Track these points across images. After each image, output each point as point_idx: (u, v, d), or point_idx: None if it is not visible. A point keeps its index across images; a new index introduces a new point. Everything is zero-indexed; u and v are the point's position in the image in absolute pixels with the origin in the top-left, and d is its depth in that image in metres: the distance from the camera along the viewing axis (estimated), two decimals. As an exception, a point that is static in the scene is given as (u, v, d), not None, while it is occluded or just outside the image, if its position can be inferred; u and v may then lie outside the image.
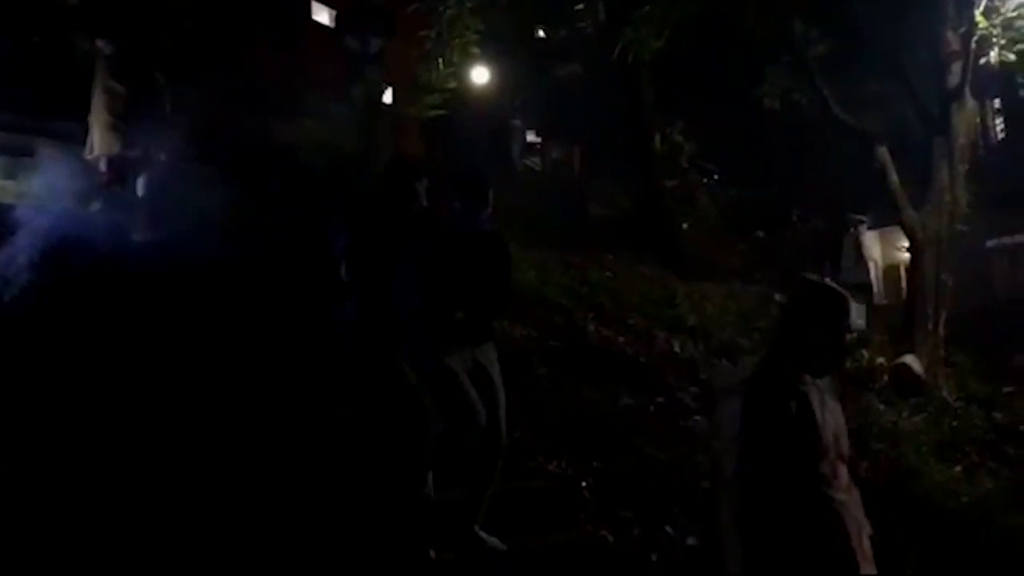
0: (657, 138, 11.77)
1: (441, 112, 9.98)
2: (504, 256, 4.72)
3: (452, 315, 4.34)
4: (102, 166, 6.89)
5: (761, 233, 12.57)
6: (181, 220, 6.61)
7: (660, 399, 6.91)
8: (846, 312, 2.98)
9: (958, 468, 6.62)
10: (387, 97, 11.77)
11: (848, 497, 2.92)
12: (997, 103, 24.15)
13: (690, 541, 4.93)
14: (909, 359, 8.30)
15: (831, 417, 2.92)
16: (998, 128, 25.64)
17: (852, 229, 12.54)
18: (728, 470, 2.97)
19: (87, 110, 6.98)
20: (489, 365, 4.49)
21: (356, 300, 4.39)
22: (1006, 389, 9.22)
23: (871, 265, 13.38)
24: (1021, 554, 5.40)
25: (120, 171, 6.93)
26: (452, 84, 10.13)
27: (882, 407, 7.43)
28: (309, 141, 10.04)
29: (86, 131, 6.97)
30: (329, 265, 4.62)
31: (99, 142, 6.89)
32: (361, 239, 4.43)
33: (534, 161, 13.76)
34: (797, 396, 2.84)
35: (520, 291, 7.37)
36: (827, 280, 3.13)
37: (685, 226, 11.55)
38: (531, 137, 14.94)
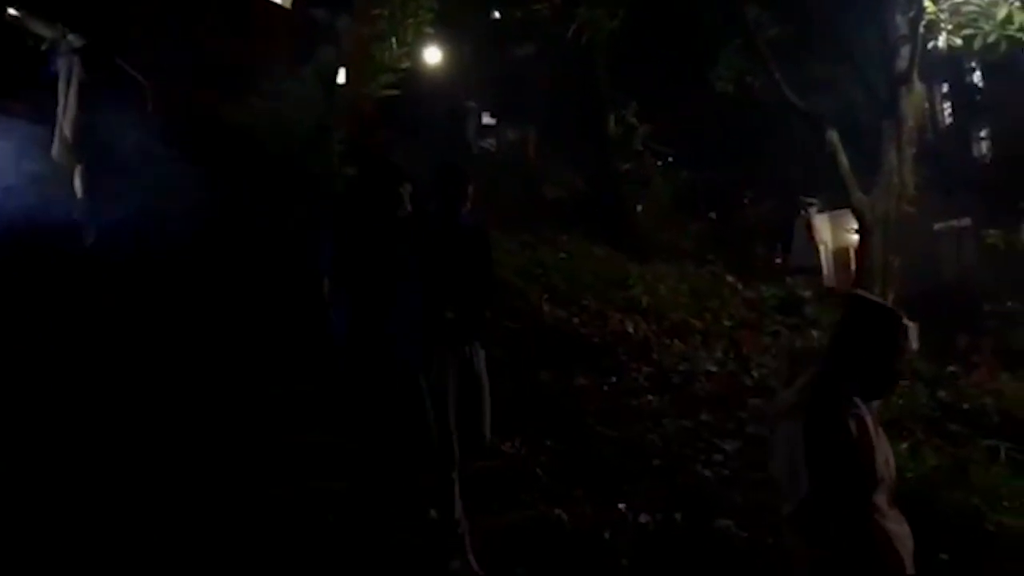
0: (611, 120, 11.80)
1: (395, 92, 9.88)
2: (486, 251, 4.70)
3: (442, 316, 4.31)
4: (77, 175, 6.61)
5: (713, 215, 12.69)
6: (132, 205, 6.44)
7: (613, 379, 6.95)
8: (902, 333, 2.86)
9: (904, 445, 6.72)
10: (341, 77, 11.60)
11: (900, 528, 2.81)
12: (945, 88, 24.61)
13: (642, 518, 4.96)
14: (857, 339, 8.43)
15: (882, 443, 2.83)
16: (946, 113, 26.15)
17: (803, 212, 12.71)
18: (789, 496, 2.79)
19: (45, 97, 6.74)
20: (476, 363, 4.49)
21: (346, 314, 4.24)
22: (951, 368, 9.42)
23: (821, 247, 13.59)
24: (963, 527, 5.53)
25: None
26: (406, 64, 10.04)
27: (831, 386, 7.52)
28: (262, 121, 9.88)
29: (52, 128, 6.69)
30: (304, 269, 4.54)
31: (65, 143, 6.59)
32: (348, 251, 4.29)
33: (489, 142, 13.71)
34: (858, 422, 2.72)
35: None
36: (880, 300, 3.06)
37: (639, 208, 11.61)
38: (486, 119, 14.87)
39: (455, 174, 4.67)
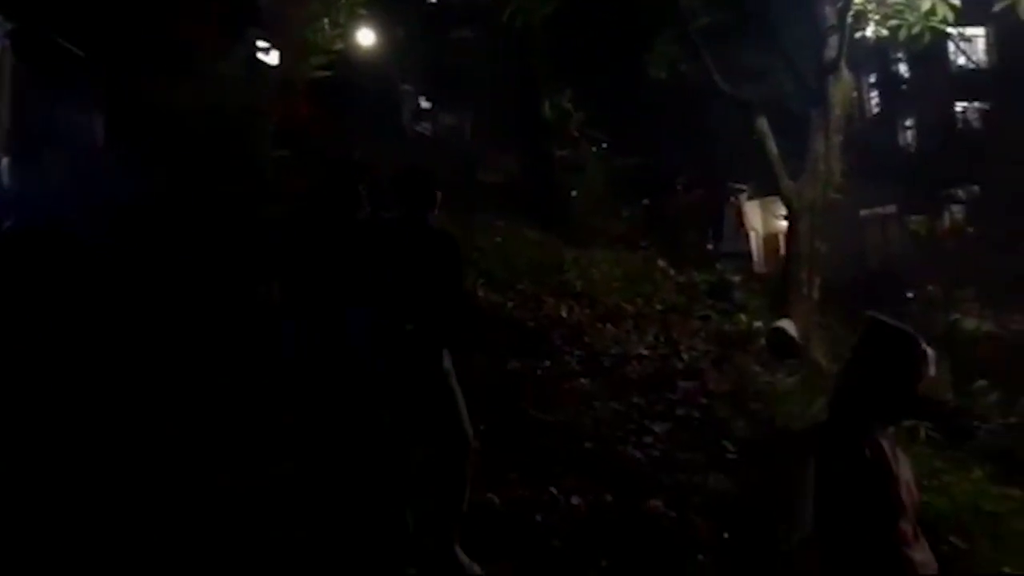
0: (547, 106, 11.83)
1: (328, 74, 9.76)
2: (455, 259, 4.41)
3: (403, 328, 4.08)
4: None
5: (647, 201, 12.82)
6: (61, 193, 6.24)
7: (547, 363, 6.99)
8: (922, 358, 2.75)
9: (829, 426, 6.91)
10: (273, 58, 11.40)
11: (924, 556, 2.73)
12: (872, 78, 25.22)
13: (574, 500, 5.01)
14: (785, 323, 8.61)
15: (904, 469, 2.76)
16: (873, 102, 26.82)
17: (733, 198, 12.93)
18: (802, 522, 2.78)
19: None
20: (447, 375, 4.23)
21: (301, 324, 4.08)
22: (874, 351, 9.68)
23: (752, 234, 13.84)
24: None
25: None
26: (339, 46, 9.91)
27: (759, 369, 7.70)
28: (192, 104, 9.66)
29: None
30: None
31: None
32: (301, 254, 4.13)
33: (424, 126, 13.62)
34: (877, 449, 2.66)
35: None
36: (900, 324, 2.86)
37: (574, 193, 11.68)
38: (422, 103, 14.77)
39: (422, 179, 4.38)
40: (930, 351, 2.74)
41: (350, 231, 4.17)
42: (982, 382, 9.25)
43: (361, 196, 4.23)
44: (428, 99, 13.73)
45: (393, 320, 4.10)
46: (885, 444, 2.69)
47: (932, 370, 2.74)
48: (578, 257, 9.75)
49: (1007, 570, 5.55)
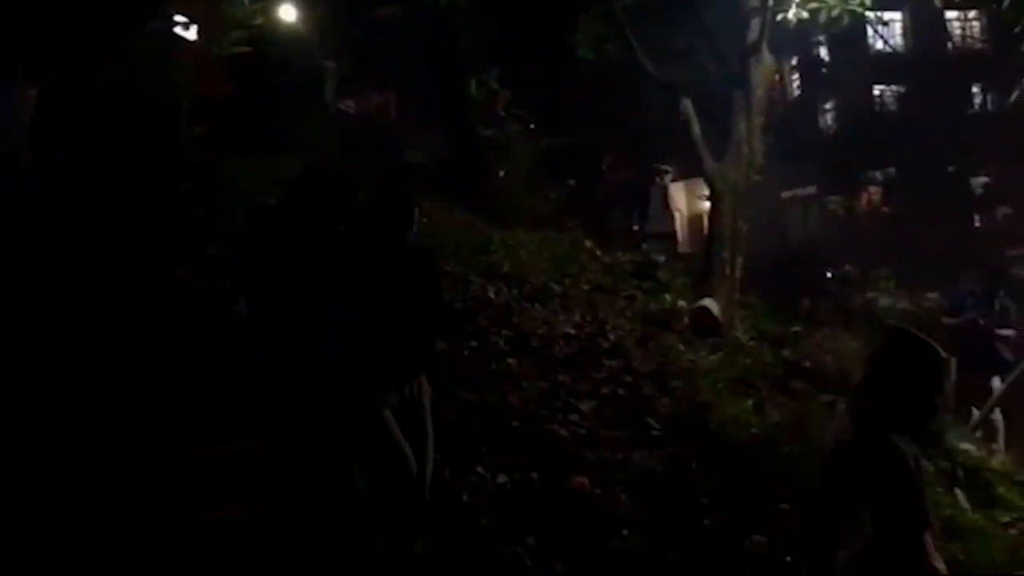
0: (472, 85, 11.76)
1: (247, 50, 9.53)
2: (434, 275, 4.33)
3: (381, 352, 3.91)
4: None
5: (573, 182, 12.85)
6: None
7: (474, 343, 6.96)
8: (943, 367, 2.78)
9: (749, 402, 7.06)
10: (191, 34, 11.08)
11: (943, 566, 2.75)
12: (794, 61, 25.72)
13: (500, 479, 5.02)
14: (708, 302, 8.74)
15: (921, 481, 2.81)
16: (794, 85, 27.36)
17: (658, 179, 13.03)
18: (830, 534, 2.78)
19: None
20: (422, 406, 4.12)
21: (267, 345, 3.87)
22: (794, 329, 9.93)
23: (677, 215, 13.97)
24: (800, 477, 5.84)
25: None
26: (259, 21, 9.68)
27: (682, 347, 7.80)
28: (105, 80, 9.35)
29: None
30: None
31: None
32: (269, 271, 3.89)
33: (348, 104, 13.41)
34: (904, 461, 2.70)
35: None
36: (920, 334, 2.87)
37: (501, 174, 11.64)
38: (346, 81, 14.52)
39: (401, 195, 4.22)
40: (951, 359, 2.79)
41: (324, 246, 3.98)
42: (897, 358, 9.53)
43: (336, 210, 4.04)
44: (352, 77, 13.49)
45: (373, 343, 3.94)
46: (910, 456, 2.72)
47: (953, 377, 2.80)
48: (505, 237, 9.73)
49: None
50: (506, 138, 12.09)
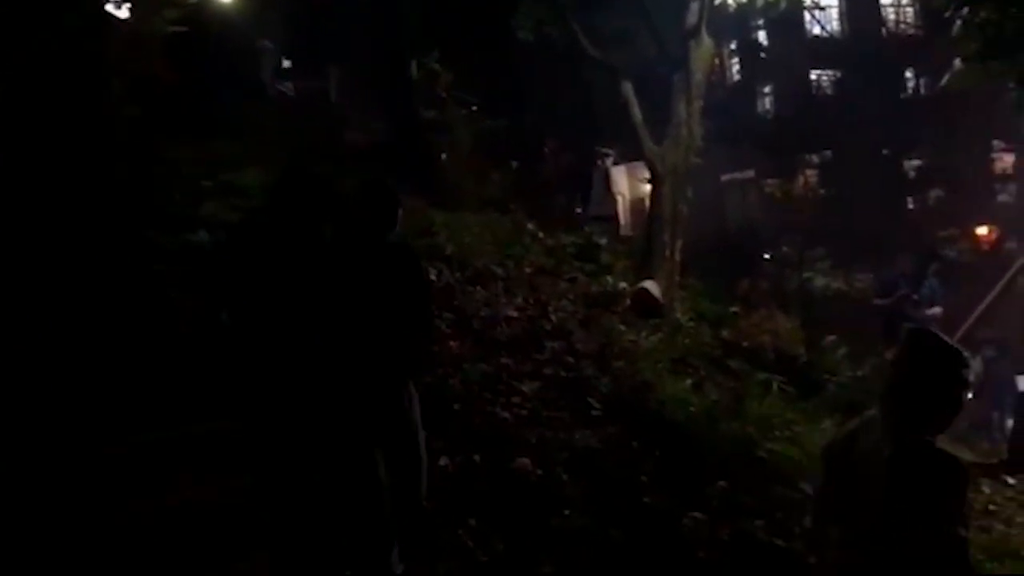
0: (414, 66, 11.68)
1: (184, 29, 9.29)
2: (419, 277, 4.22)
3: (363, 363, 3.83)
4: None
5: (515, 164, 12.85)
6: None
7: (415, 326, 6.94)
8: (966, 367, 2.81)
9: (689, 382, 7.17)
10: (123, 12, 10.78)
11: None
12: (733, 45, 25.99)
13: (442, 462, 5.03)
14: (648, 284, 8.85)
15: None
16: (734, 69, 27.66)
17: (600, 162, 13.10)
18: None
19: None
20: (409, 418, 4.06)
21: (247, 355, 3.78)
22: (732, 309, 10.12)
23: (619, 198, 14.04)
24: (739, 455, 5.97)
25: None
26: (195, -1, 9.47)
27: (623, 328, 7.88)
28: (33, 59, 9.05)
29: None
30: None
31: None
32: (250, 279, 3.78)
33: (287, 86, 13.20)
34: (958, 464, 2.76)
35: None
36: (942, 336, 2.90)
37: (443, 156, 11.59)
38: (285, 61, 14.31)
39: (385, 194, 4.12)
40: (974, 362, 2.85)
41: (306, 250, 3.88)
42: (832, 337, 9.78)
43: (321, 214, 3.93)
44: (291, 57, 13.28)
45: (359, 349, 3.87)
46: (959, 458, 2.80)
47: (973, 377, 2.87)
48: (448, 220, 9.69)
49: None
50: (448, 120, 12.02)
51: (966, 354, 2.83)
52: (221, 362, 4.10)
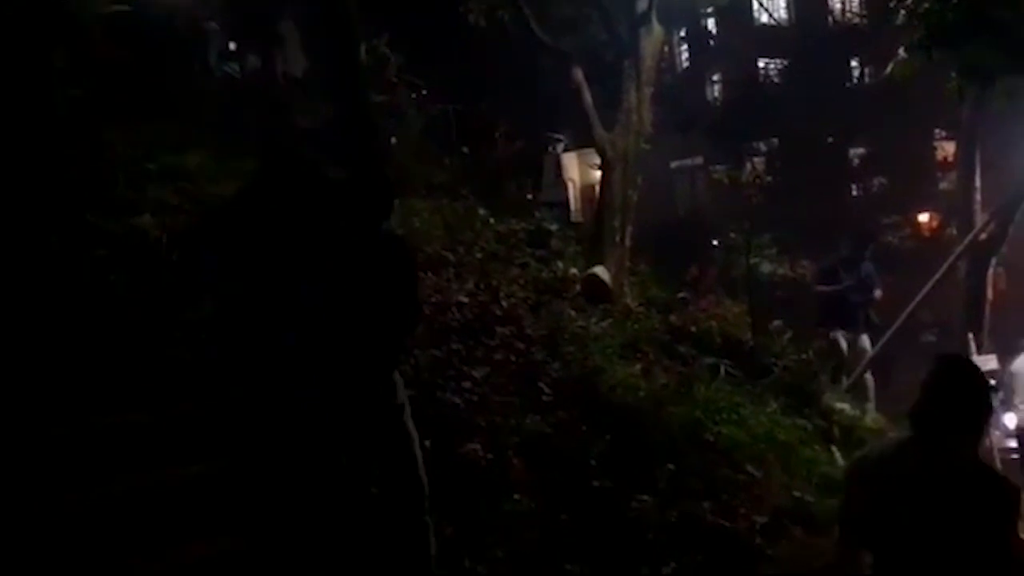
0: (363, 49, 11.55)
1: (125, 8, 9.09)
2: (410, 269, 4.15)
3: (354, 352, 3.71)
4: None
5: (466, 149, 12.80)
6: None
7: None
8: (990, 392, 3.04)
9: (638, 366, 7.24)
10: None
11: None
12: (683, 32, 26.16)
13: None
14: (598, 270, 8.90)
15: None
16: (683, 57, 27.87)
17: (551, 148, 13.13)
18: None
19: None
20: (398, 403, 3.99)
21: (232, 348, 3.66)
22: (681, 295, 10.23)
23: (570, 184, 14.10)
24: (687, 438, 6.07)
25: None
26: (138, -23, 9.24)
27: (574, 314, 7.91)
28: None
29: None
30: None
31: None
32: (238, 268, 3.65)
33: (233, 68, 12.96)
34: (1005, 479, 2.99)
35: (215, 203, 7.01)
36: (973, 362, 3.23)
37: (393, 140, 11.49)
38: (231, 44, 14.05)
39: (381, 184, 4.03)
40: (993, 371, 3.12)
41: (296, 241, 3.73)
42: (778, 322, 9.94)
43: (316, 203, 3.80)
44: (237, 39, 13.03)
45: (339, 346, 3.74)
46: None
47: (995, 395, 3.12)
48: (399, 205, 9.64)
49: (796, 493, 6.05)
50: (398, 104, 11.92)
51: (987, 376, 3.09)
52: (168, 349, 4.03)
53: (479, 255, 8.85)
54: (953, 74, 8.54)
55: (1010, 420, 9.15)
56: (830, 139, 22.48)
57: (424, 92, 12.57)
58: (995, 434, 8.55)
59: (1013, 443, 8.99)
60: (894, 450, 3.07)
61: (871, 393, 9.58)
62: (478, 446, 5.17)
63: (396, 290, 3.95)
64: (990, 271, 9.91)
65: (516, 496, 4.91)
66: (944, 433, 2.89)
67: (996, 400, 8.95)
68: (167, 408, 4.43)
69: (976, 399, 2.92)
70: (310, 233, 3.82)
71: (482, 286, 7.97)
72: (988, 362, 8.92)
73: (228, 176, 7.38)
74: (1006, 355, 9.77)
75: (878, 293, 9.73)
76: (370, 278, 3.85)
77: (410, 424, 4.08)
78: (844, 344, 9.64)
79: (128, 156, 7.52)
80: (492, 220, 10.17)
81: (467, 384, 5.97)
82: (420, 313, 4.43)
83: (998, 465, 8.01)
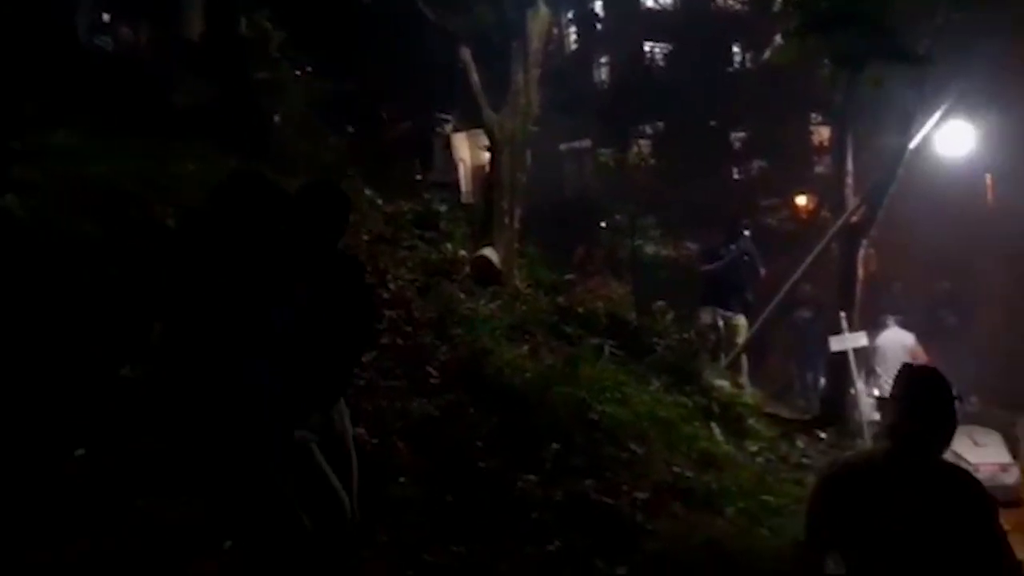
0: (243, 23, 11.19)
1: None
2: (365, 291, 3.95)
3: (307, 375, 3.45)
4: None
5: (351, 128, 12.58)
6: None
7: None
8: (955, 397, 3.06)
9: (525, 347, 7.29)
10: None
11: None
12: (571, 15, 26.32)
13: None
14: (488, 251, 8.91)
15: None
16: (571, 39, 28.06)
17: (439, 129, 13.03)
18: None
19: None
20: (343, 430, 3.83)
21: (184, 370, 3.32)
22: (568, 277, 10.36)
23: (460, 165, 14.03)
24: (572, 418, 6.15)
25: None
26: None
27: (463, 296, 7.91)
28: None
29: None
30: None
31: None
32: (196, 287, 3.34)
33: (105, 41, 12.37)
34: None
35: (89, 184, 6.71)
36: (934, 367, 3.29)
37: (276, 118, 11.19)
38: (103, 15, 13.40)
39: (338, 200, 3.84)
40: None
41: (251, 259, 3.42)
42: (661, 302, 10.17)
43: (280, 227, 3.50)
44: (109, 11, 12.44)
45: (303, 367, 3.47)
46: None
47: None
48: (283, 185, 9.41)
49: (676, 469, 6.21)
50: (280, 81, 11.59)
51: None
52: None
53: (366, 237, 8.72)
54: (826, 60, 8.86)
55: (875, 391, 9.65)
56: (713, 123, 23.02)
57: (308, 69, 12.26)
58: (862, 406, 8.98)
59: (876, 416, 9.46)
60: (866, 463, 3.21)
61: (744, 369, 9.95)
62: (363, 430, 5.10)
63: (357, 312, 3.80)
64: (861, 252, 10.34)
65: (401, 480, 4.88)
66: (925, 445, 3.03)
67: (862, 373, 9.43)
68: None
69: (951, 409, 3.03)
70: (275, 254, 3.54)
71: (369, 269, 7.86)
72: (859, 339, 9.37)
73: (101, 157, 7.07)
74: (873, 331, 10.27)
75: (763, 271, 10.10)
76: (334, 301, 3.66)
77: (351, 443, 4.00)
78: (721, 323, 9.96)
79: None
80: (380, 201, 10.05)
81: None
82: (377, 336, 4.27)
83: (866, 436, 8.45)
